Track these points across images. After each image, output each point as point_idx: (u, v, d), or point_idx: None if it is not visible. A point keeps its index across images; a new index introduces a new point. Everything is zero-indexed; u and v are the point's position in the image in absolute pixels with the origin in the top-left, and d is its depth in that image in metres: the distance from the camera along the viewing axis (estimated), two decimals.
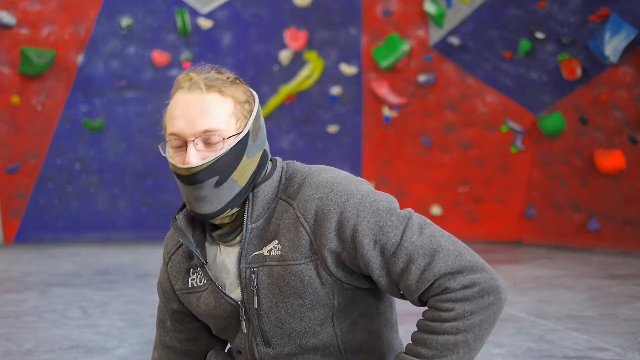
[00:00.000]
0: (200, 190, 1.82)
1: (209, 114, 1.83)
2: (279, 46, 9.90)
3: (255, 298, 1.87)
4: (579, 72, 8.63)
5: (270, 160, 1.96)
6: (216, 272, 1.94)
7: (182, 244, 2.00)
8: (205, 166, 1.81)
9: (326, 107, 10.07)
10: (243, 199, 1.87)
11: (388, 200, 1.84)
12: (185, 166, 1.81)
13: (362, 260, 1.80)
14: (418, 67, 9.72)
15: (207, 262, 1.92)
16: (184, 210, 1.98)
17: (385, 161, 9.96)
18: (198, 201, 1.84)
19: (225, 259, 1.94)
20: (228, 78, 1.89)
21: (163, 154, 1.89)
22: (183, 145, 1.83)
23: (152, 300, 5.83)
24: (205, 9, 9.90)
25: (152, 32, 9.92)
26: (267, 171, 1.93)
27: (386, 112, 9.92)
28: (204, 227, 1.97)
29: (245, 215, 1.87)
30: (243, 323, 1.91)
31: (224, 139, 1.82)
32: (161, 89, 10.00)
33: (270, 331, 1.90)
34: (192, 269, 1.98)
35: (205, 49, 9.91)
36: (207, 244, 1.96)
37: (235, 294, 1.92)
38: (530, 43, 8.83)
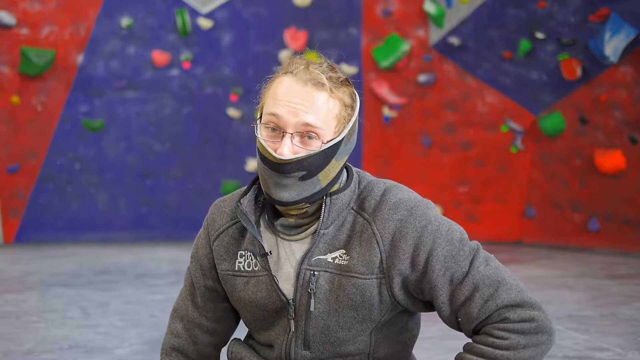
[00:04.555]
0: (284, 179, 1.82)
1: (315, 112, 1.82)
2: (279, 46, 9.90)
3: (312, 301, 1.86)
4: (579, 72, 8.63)
5: (345, 167, 1.96)
6: (271, 264, 1.92)
7: (234, 224, 1.98)
8: (295, 160, 1.81)
9: None
10: (319, 197, 1.87)
11: (460, 230, 1.92)
12: (278, 156, 1.80)
13: (429, 285, 1.84)
14: (418, 67, 9.72)
15: (270, 253, 1.91)
16: (248, 194, 1.95)
17: (385, 161, 9.95)
18: (278, 187, 1.84)
19: (282, 253, 1.92)
20: (339, 78, 1.87)
21: (256, 134, 1.86)
22: (279, 132, 1.82)
23: (152, 300, 5.82)
24: (205, 9, 9.90)
25: (152, 32, 9.91)
26: (343, 179, 1.93)
27: (386, 112, 9.92)
28: (262, 213, 1.94)
29: (321, 220, 1.86)
30: (291, 322, 1.90)
31: (321, 140, 1.82)
32: (161, 89, 10.00)
33: (314, 336, 1.89)
34: (241, 252, 1.96)
35: (205, 49, 9.91)
36: (264, 232, 1.94)
37: (287, 291, 1.90)
38: (530, 43, 8.83)
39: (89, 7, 9.79)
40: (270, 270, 1.90)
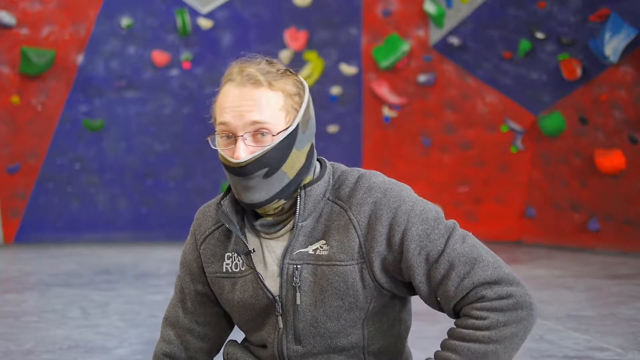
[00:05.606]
0: (249, 180, 1.85)
1: (258, 109, 1.84)
2: (279, 46, 9.90)
3: (298, 295, 1.88)
4: (579, 72, 8.63)
5: (319, 160, 1.98)
6: (256, 263, 1.94)
7: (219, 227, 2.00)
8: (253, 160, 1.83)
9: (326, 107, 10.06)
10: (291, 190, 1.89)
11: (436, 210, 1.90)
12: (235, 160, 1.83)
13: (406, 265, 1.84)
14: (418, 67, 9.72)
15: (253, 251, 1.93)
16: (228, 196, 1.98)
17: (385, 161, 9.95)
18: (246, 190, 1.86)
19: (266, 252, 1.94)
20: (278, 70, 1.89)
21: (213, 146, 1.91)
22: (232, 138, 1.86)
23: (152, 300, 5.82)
24: (205, 9, 9.90)
25: (152, 32, 9.92)
26: (317, 171, 1.95)
27: (386, 112, 9.92)
28: (244, 216, 1.97)
29: (297, 213, 1.89)
30: (279, 318, 1.91)
31: (272, 135, 1.84)
32: (161, 89, 10.01)
33: (303, 329, 1.91)
34: (227, 254, 1.98)
35: (205, 49, 9.91)
36: (248, 234, 1.96)
37: (272, 288, 1.92)
38: (530, 43, 8.83)
39: (89, 7, 9.79)
40: (255, 268, 1.92)
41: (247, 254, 1.93)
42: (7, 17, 9.59)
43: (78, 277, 7.05)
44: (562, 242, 9.11)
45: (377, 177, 1.93)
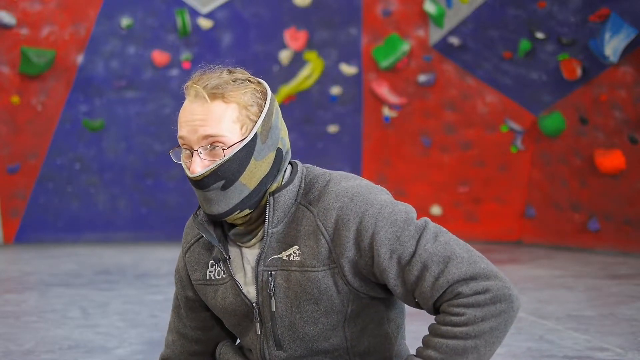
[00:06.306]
0: (207, 193, 1.86)
1: (210, 123, 1.84)
2: (279, 46, 9.90)
3: (273, 301, 1.89)
4: (579, 72, 8.63)
5: (290, 163, 1.97)
6: (235, 271, 1.97)
7: (202, 236, 2.02)
8: (208, 173, 1.84)
9: (326, 107, 10.07)
10: (254, 200, 1.89)
11: (406, 210, 1.86)
12: (191, 175, 1.86)
13: (378, 269, 1.82)
14: (418, 67, 9.72)
15: (230, 258, 1.95)
16: (200, 209, 2.01)
17: (385, 161, 9.96)
18: (207, 202, 1.88)
19: (244, 260, 1.96)
20: (236, 80, 1.87)
21: (176, 160, 1.95)
22: (190, 152, 1.88)
23: (152, 300, 5.83)
24: (205, 9, 9.90)
25: (152, 32, 9.91)
26: (287, 176, 1.94)
27: (386, 112, 9.92)
28: (222, 225, 1.99)
29: (267, 220, 1.88)
30: (257, 325, 1.93)
31: (225, 148, 1.84)
32: (161, 89, 10.01)
33: (282, 335, 1.92)
34: (211, 262, 2.01)
35: (205, 49, 9.90)
36: (229, 242, 1.99)
37: (251, 295, 1.94)
38: (530, 43, 8.83)
39: (89, 7, 9.79)
40: (233, 275, 1.94)
41: (225, 261, 1.95)
42: (7, 17, 9.59)
43: (78, 277, 7.05)
44: (562, 242, 9.11)
45: (347, 182, 1.90)
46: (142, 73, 9.99)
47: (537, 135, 9.34)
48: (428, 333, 1.82)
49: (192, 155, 1.86)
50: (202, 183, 1.85)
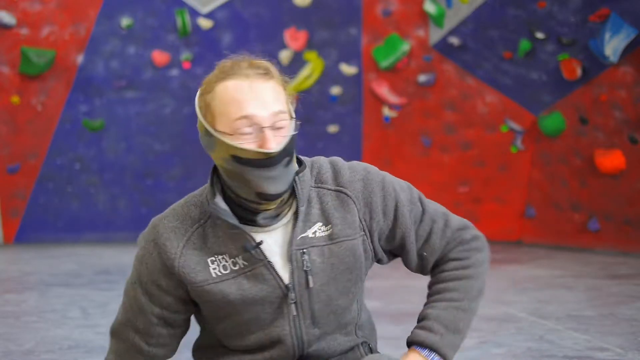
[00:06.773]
0: (273, 171, 1.85)
1: (277, 100, 1.88)
2: (278, 46, 9.90)
3: (311, 277, 1.92)
4: (579, 72, 8.62)
5: None
6: (259, 256, 1.94)
7: (191, 236, 1.98)
8: (282, 148, 1.86)
9: (326, 107, 10.06)
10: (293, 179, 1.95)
11: (402, 180, 2.10)
12: (267, 151, 1.83)
13: (401, 229, 2.00)
14: (418, 67, 9.72)
15: (262, 242, 1.93)
16: (216, 197, 1.97)
17: (385, 161, 9.95)
18: (270, 181, 1.85)
19: (267, 245, 1.94)
20: (268, 66, 1.94)
21: (228, 142, 1.87)
22: (252, 132, 1.85)
23: None
24: (205, 9, 9.90)
25: (152, 32, 9.91)
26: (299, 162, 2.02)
27: (386, 112, 9.92)
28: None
29: (298, 198, 1.93)
30: (292, 306, 1.93)
31: (288, 121, 1.90)
32: (161, 89, 10.00)
33: (319, 310, 1.95)
34: (211, 259, 1.95)
35: (205, 49, 9.90)
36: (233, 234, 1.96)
37: (283, 277, 1.95)
38: (530, 43, 8.83)
39: (89, 7, 9.79)
40: (266, 258, 1.92)
41: (257, 246, 1.92)
42: (7, 17, 9.58)
43: (78, 277, 7.05)
44: (562, 242, 9.10)
45: (349, 161, 2.06)
46: (142, 73, 9.98)
47: (537, 135, 9.34)
48: (433, 284, 2.02)
49: (263, 132, 1.84)
50: (274, 160, 1.85)
